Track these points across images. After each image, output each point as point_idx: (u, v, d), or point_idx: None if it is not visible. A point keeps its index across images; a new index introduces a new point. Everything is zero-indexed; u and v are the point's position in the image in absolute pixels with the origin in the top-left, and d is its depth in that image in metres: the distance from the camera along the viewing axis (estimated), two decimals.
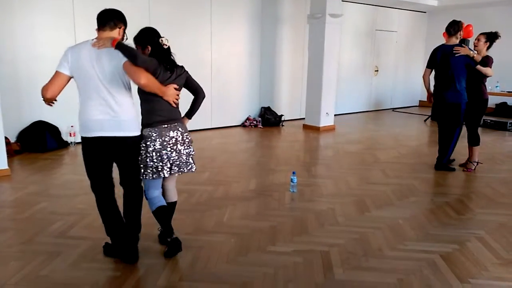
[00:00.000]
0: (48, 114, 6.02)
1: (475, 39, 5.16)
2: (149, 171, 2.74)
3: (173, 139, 2.78)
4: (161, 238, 3.07)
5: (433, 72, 5.17)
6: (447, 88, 4.92)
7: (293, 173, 4.34)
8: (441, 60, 4.95)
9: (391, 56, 11.01)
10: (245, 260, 2.85)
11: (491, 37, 5.08)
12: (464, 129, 5.13)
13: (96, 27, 2.65)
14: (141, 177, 2.80)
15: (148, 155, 2.73)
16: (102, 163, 2.74)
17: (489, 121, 8.60)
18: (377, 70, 10.75)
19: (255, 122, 8.26)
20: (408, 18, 11.02)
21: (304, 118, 8.44)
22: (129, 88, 2.72)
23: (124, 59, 2.50)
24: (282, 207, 3.89)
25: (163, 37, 2.78)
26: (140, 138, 2.76)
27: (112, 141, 2.65)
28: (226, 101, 8.04)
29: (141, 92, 2.72)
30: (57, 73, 2.63)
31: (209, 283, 2.56)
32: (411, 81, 11.40)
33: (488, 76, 4.98)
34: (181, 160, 2.83)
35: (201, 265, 2.76)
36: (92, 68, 2.58)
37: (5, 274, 2.61)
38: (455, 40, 4.94)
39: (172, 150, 2.78)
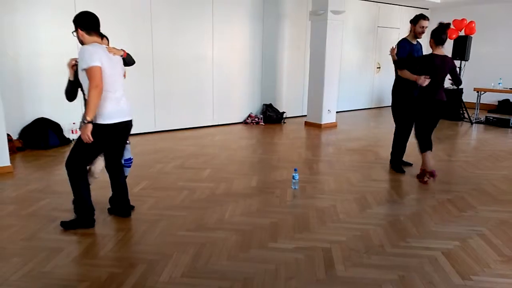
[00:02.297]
0: (50, 111, 6.04)
1: None
2: None
3: None
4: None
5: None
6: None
7: (295, 170, 4.34)
8: None
9: None
10: (247, 257, 2.85)
11: (433, 34, 4.42)
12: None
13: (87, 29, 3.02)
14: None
15: None
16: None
17: (491, 118, 8.57)
18: (379, 67, 10.73)
19: (256, 119, 8.26)
20: (410, 15, 10.90)
21: (306, 115, 8.43)
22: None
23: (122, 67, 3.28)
24: (284, 204, 3.89)
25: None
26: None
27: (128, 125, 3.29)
28: (228, 98, 8.04)
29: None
30: (97, 67, 2.91)
31: (211, 279, 2.56)
32: None
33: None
34: None
35: (202, 262, 2.77)
36: (111, 68, 3.05)
37: (7, 270, 2.62)
38: (407, 34, 4.89)
39: None
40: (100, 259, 2.80)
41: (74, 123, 6.17)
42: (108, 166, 3.43)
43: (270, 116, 8.32)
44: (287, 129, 7.86)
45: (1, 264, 2.70)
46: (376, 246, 3.04)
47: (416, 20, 4.78)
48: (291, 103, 9.06)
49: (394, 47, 4.77)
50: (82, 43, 3.04)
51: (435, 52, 4.40)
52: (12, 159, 4.90)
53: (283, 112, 8.50)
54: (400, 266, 2.75)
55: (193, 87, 7.48)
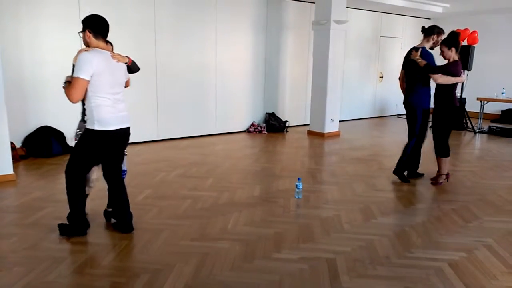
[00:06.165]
0: (53, 120, 6.05)
1: (440, 50, 4.68)
2: None
3: None
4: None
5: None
6: (409, 91, 4.90)
7: (298, 179, 4.32)
8: (406, 62, 4.85)
9: (396, 62, 10.98)
10: (251, 267, 2.82)
11: (450, 42, 4.57)
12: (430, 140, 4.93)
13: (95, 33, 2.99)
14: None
15: None
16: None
17: (495, 127, 8.55)
18: (382, 77, 10.74)
19: (259, 128, 8.26)
20: (413, 25, 11.01)
21: (308, 124, 8.43)
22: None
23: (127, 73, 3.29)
24: (287, 214, 3.87)
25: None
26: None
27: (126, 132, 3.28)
28: (231, 107, 8.05)
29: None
30: (80, 80, 2.88)
31: None
32: None
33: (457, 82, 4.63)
34: None
35: (206, 272, 2.74)
36: (110, 74, 3.04)
37: (9, 280, 2.60)
38: (425, 43, 4.72)
39: None
40: (103, 268, 2.78)
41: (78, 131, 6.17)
42: (107, 177, 3.30)
43: (273, 125, 8.32)
44: (290, 138, 7.85)
45: (3, 273, 2.68)
46: (381, 256, 3.01)
47: (440, 32, 4.70)
48: (294, 112, 9.06)
49: (416, 52, 4.63)
50: (86, 44, 3.03)
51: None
52: (15, 167, 4.90)
53: (286, 121, 8.49)
54: (406, 277, 2.72)
55: (196, 96, 7.50)
